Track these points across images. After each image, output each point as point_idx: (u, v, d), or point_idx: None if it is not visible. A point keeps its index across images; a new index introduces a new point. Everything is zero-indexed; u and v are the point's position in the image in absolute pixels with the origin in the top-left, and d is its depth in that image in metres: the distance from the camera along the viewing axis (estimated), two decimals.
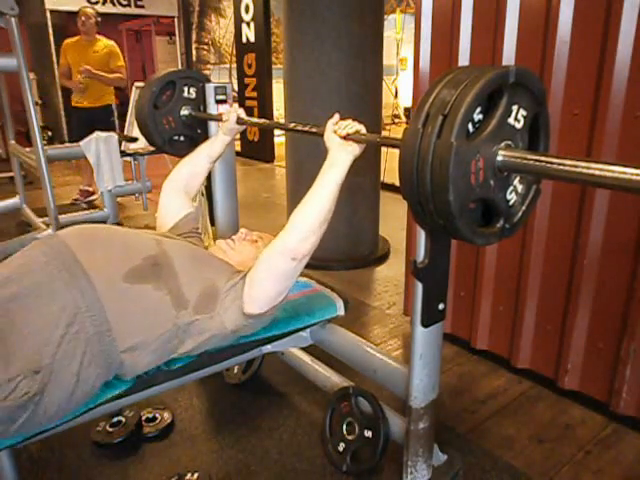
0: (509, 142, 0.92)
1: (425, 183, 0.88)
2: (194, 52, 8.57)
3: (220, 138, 1.63)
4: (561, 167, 0.82)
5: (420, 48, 2.04)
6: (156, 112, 1.89)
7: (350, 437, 1.51)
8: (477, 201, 0.95)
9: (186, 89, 1.93)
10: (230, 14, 7.53)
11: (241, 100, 6.89)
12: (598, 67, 1.56)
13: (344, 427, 1.53)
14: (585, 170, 0.79)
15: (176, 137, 1.98)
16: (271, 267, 1.20)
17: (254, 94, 6.74)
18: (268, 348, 1.53)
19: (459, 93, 0.85)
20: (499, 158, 0.90)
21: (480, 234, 0.98)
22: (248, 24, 6.55)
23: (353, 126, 1.19)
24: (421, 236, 1.13)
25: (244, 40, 6.68)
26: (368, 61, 2.99)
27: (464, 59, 1.90)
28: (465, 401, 1.87)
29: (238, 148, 6.97)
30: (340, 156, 1.19)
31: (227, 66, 8.23)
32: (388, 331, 2.40)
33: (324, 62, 2.88)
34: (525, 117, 0.94)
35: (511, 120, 0.92)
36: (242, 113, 1.60)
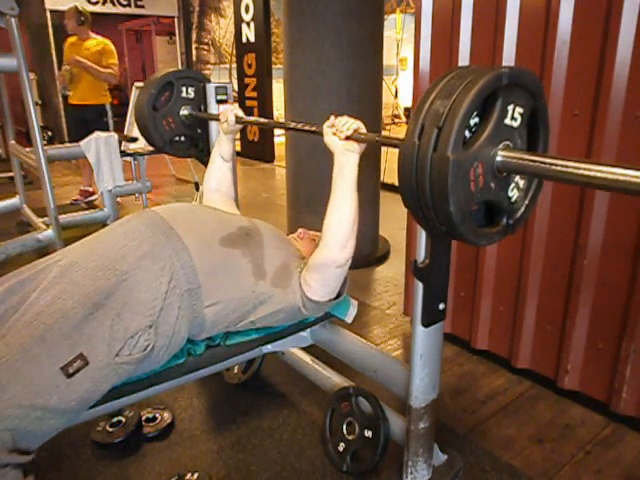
0: (507, 142, 0.91)
1: (425, 194, 0.88)
2: (194, 52, 8.57)
3: (224, 138, 1.67)
4: (560, 168, 0.82)
5: (420, 48, 2.04)
6: (156, 114, 1.89)
7: (350, 437, 1.51)
8: (479, 204, 0.94)
9: (184, 89, 1.93)
10: (230, 14, 7.53)
11: (241, 100, 6.89)
12: (598, 67, 1.56)
13: (344, 427, 1.53)
14: (586, 172, 0.78)
15: (177, 138, 1.99)
16: (320, 276, 1.31)
17: (254, 94, 6.75)
18: (268, 348, 1.53)
19: (452, 103, 0.84)
20: (498, 159, 0.90)
21: (483, 235, 0.97)
22: (248, 24, 6.55)
23: (351, 126, 1.19)
24: (421, 236, 1.13)
25: (244, 40, 6.68)
26: (368, 61, 2.99)
27: (464, 59, 1.90)
28: (465, 401, 1.87)
29: (238, 148, 6.98)
30: (346, 158, 1.22)
31: (227, 66, 8.23)
32: (388, 331, 2.40)
33: (324, 62, 2.88)
34: (522, 114, 0.93)
35: (508, 120, 0.91)
36: (240, 112, 1.63)
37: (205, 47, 8.62)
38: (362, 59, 2.94)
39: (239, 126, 1.63)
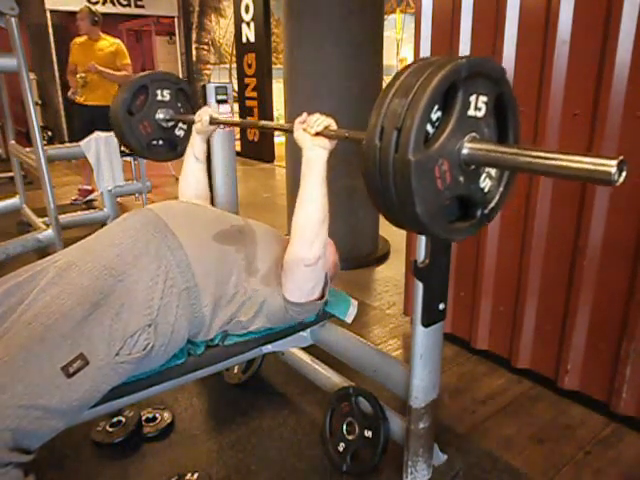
0: (473, 134, 0.87)
1: (391, 197, 0.85)
2: (194, 52, 8.56)
3: (197, 138, 1.68)
4: (527, 159, 0.79)
5: (420, 48, 2.04)
6: (131, 118, 1.85)
7: (350, 437, 1.51)
8: (450, 199, 0.91)
9: (159, 92, 1.89)
10: (230, 14, 7.53)
11: (241, 100, 6.89)
12: (598, 67, 1.56)
13: (344, 427, 1.53)
14: (552, 162, 0.76)
15: (154, 142, 1.95)
16: (292, 276, 1.29)
17: (254, 94, 6.74)
18: (268, 348, 1.53)
19: (410, 102, 0.80)
20: (464, 152, 0.86)
21: (456, 230, 0.94)
22: (248, 24, 6.55)
23: (322, 122, 1.18)
24: (421, 236, 1.13)
25: (244, 40, 6.68)
26: (368, 61, 2.99)
27: None
28: (465, 401, 1.87)
29: (238, 148, 6.98)
30: (314, 154, 1.20)
31: (227, 66, 8.23)
32: (388, 331, 2.40)
33: (324, 62, 2.88)
34: (486, 103, 0.89)
35: (471, 111, 0.87)
36: (214, 113, 1.65)
37: (205, 47, 8.62)
38: (362, 59, 2.94)
39: (212, 127, 1.65)
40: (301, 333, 1.60)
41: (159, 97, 1.90)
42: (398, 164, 0.81)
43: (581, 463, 1.56)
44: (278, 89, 5.36)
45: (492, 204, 0.97)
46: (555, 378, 1.87)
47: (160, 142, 1.97)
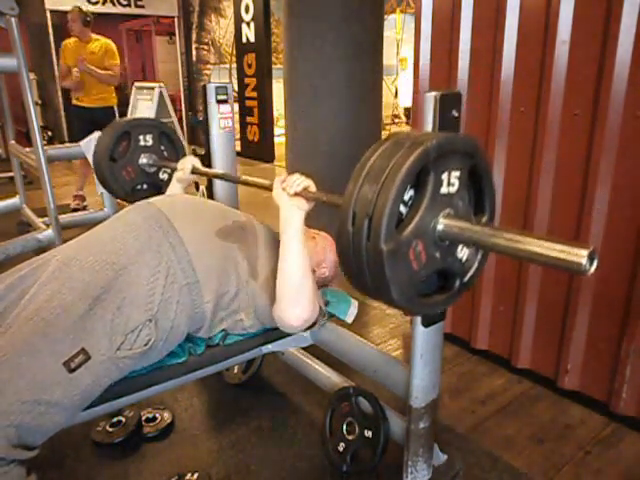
0: (447, 210, 0.85)
1: (366, 283, 0.83)
2: (194, 52, 8.57)
3: (177, 186, 1.68)
4: (501, 241, 0.78)
5: (420, 48, 2.04)
6: (114, 165, 1.84)
7: (350, 437, 1.51)
8: (427, 276, 0.88)
9: (142, 137, 1.89)
10: (230, 14, 7.53)
11: (241, 100, 6.89)
12: (598, 67, 1.56)
13: (344, 427, 1.53)
14: (527, 247, 0.74)
15: (138, 187, 1.94)
16: (282, 326, 1.27)
17: (254, 94, 6.75)
18: (268, 348, 1.53)
19: (380, 189, 0.78)
20: (439, 228, 0.84)
21: (435, 304, 0.92)
22: (248, 24, 6.55)
23: (301, 183, 1.18)
24: None
25: (244, 40, 6.68)
26: (368, 61, 2.99)
27: (464, 59, 1.90)
28: (465, 401, 1.87)
29: (238, 148, 6.97)
30: (291, 214, 1.20)
31: (227, 66, 8.23)
32: (388, 331, 2.40)
33: (324, 62, 2.89)
34: (459, 177, 0.87)
35: (444, 189, 0.85)
36: (197, 163, 1.65)
37: (205, 47, 8.61)
38: (362, 59, 2.94)
39: (193, 176, 1.65)
40: (301, 333, 1.60)
41: (142, 142, 1.89)
42: (371, 252, 0.78)
43: (581, 463, 1.57)
44: (278, 89, 5.35)
45: (471, 272, 0.94)
46: (555, 378, 1.87)
47: (144, 186, 1.95)
